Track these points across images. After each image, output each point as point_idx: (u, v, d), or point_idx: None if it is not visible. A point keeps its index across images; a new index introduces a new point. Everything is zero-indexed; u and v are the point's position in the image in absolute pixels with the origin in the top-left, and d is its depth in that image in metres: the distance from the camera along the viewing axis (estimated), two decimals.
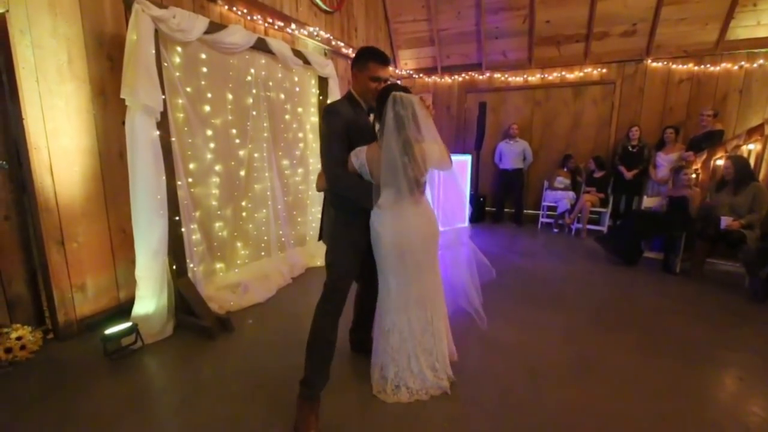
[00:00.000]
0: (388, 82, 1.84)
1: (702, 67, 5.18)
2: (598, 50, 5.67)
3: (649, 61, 5.44)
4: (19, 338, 2.19)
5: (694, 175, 4.18)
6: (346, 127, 1.74)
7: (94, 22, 2.47)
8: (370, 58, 1.78)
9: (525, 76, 6.21)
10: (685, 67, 5.28)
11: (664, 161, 4.95)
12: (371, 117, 1.88)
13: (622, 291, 3.46)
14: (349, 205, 1.83)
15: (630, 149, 5.32)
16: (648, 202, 4.71)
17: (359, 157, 1.71)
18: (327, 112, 1.78)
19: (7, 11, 2.10)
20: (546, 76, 6.08)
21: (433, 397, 1.94)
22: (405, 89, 1.77)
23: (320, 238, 2.11)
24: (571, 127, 6.13)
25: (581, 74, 5.85)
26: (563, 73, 5.95)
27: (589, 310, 3.04)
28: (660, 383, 2.11)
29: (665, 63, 5.37)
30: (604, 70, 5.73)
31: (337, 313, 1.82)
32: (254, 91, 3.38)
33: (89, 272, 2.57)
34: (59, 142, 2.37)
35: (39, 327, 2.39)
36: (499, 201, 6.29)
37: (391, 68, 6.44)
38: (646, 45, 5.39)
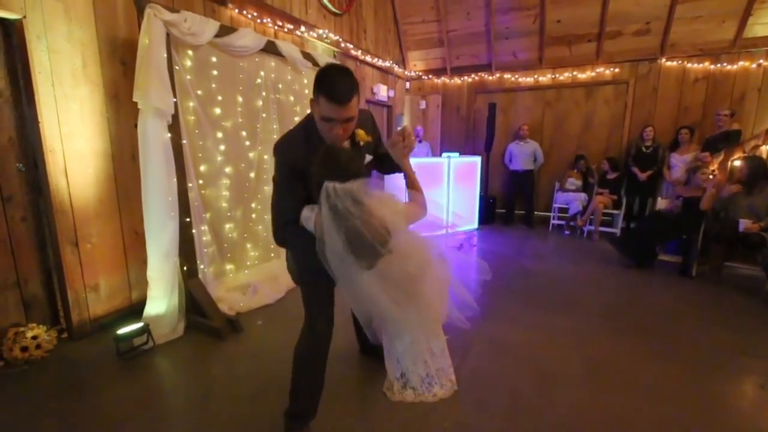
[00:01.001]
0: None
1: (718, 65, 5.07)
2: (611, 49, 5.59)
3: (664, 60, 5.34)
4: (34, 337, 2.24)
5: (711, 176, 4.08)
6: (297, 171, 1.40)
7: (107, 27, 2.51)
8: (321, 91, 1.33)
9: (535, 76, 6.15)
10: (700, 65, 5.17)
11: (679, 162, 4.85)
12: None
13: (636, 294, 3.40)
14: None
15: (644, 150, 5.22)
16: (662, 203, 4.61)
17: (308, 223, 1.40)
18: (275, 152, 1.45)
19: (25, 17, 2.15)
20: (557, 76, 6.01)
21: (441, 400, 1.93)
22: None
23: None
24: (582, 128, 6.05)
25: (593, 74, 5.77)
26: (575, 73, 5.87)
27: (601, 313, 2.99)
28: (674, 389, 2.06)
29: (680, 62, 5.27)
30: (617, 70, 5.64)
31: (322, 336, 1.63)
32: (264, 93, 3.40)
33: (102, 273, 2.62)
34: (74, 145, 2.41)
35: (54, 326, 2.44)
36: (509, 203, 6.23)
37: (400, 69, 6.43)
38: (660, 44, 5.29)
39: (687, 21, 5.04)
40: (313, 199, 1.35)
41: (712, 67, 5.10)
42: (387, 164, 1.75)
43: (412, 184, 1.71)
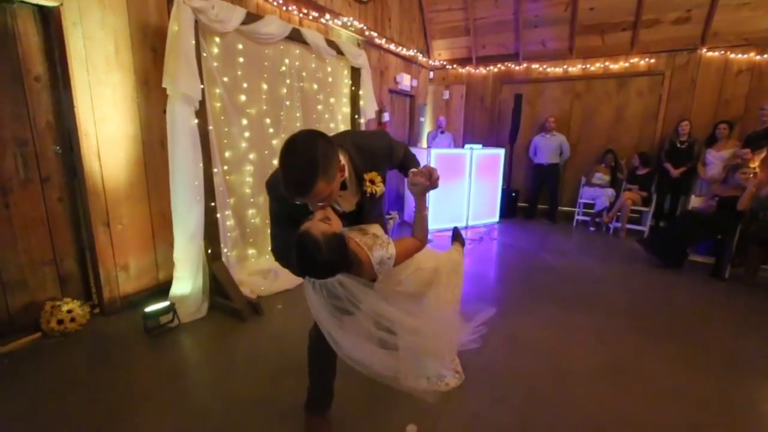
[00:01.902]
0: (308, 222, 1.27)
1: (765, 56, 4.74)
2: (647, 38, 5.32)
3: (704, 50, 5.04)
4: (69, 311, 2.36)
5: (752, 175, 3.85)
6: (285, 212, 1.40)
7: (138, 14, 2.57)
8: (281, 175, 1.21)
9: (565, 66, 5.93)
10: (745, 56, 4.85)
11: (715, 158, 4.60)
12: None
13: (663, 295, 3.27)
14: None
15: (678, 145, 4.98)
16: (696, 201, 4.40)
17: None
18: (267, 190, 1.42)
19: (62, 5, 2.22)
20: (588, 66, 5.78)
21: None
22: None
23: None
24: (613, 121, 5.81)
25: (626, 65, 5.52)
26: (607, 63, 5.63)
27: (625, 313, 2.90)
28: (699, 393, 1.99)
29: (722, 52, 4.96)
30: (653, 60, 5.37)
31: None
32: (288, 81, 3.42)
33: (132, 253, 2.72)
34: (106, 130, 2.50)
35: (87, 302, 2.56)
36: (532, 197, 6.09)
37: (424, 59, 6.33)
38: (701, 33, 5.00)
39: (732, 8, 4.73)
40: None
41: (758, 57, 4.78)
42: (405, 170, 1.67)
43: (415, 227, 1.60)
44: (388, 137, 1.60)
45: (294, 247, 1.22)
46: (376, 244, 1.42)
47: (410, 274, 1.72)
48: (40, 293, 2.39)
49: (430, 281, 1.84)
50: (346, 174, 1.37)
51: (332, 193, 1.27)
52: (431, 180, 1.48)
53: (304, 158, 1.15)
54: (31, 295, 2.35)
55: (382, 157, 1.50)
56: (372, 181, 1.43)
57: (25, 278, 2.32)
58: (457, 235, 2.38)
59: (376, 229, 1.53)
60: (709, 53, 5.04)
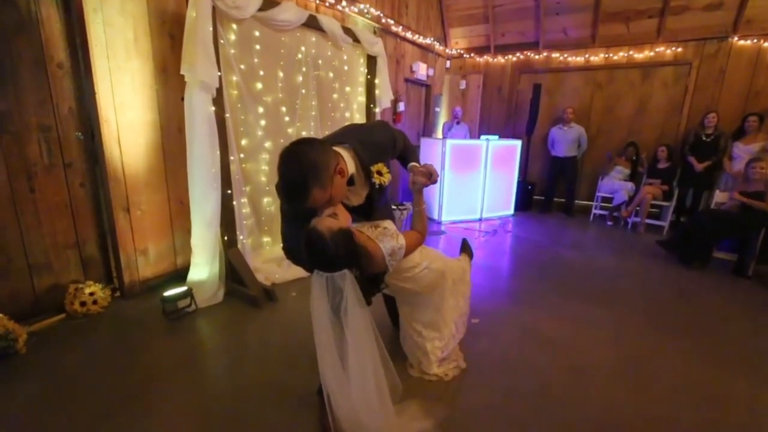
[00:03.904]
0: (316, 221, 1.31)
1: None
2: (675, 26, 5.10)
3: (736, 38, 4.82)
4: (91, 294, 2.43)
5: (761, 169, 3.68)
6: (294, 210, 1.43)
7: (157, 0, 2.57)
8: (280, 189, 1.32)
9: (587, 55, 5.75)
10: None
11: (743, 152, 4.43)
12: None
13: (683, 291, 3.19)
14: None
15: (703, 138, 4.80)
16: (720, 197, 4.25)
17: None
18: (277, 190, 1.44)
19: None
20: (611, 55, 5.59)
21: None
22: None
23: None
24: (635, 113, 5.63)
25: (652, 54, 5.32)
26: (631, 52, 5.44)
27: (643, 309, 2.84)
28: (718, 392, 1.94)
29: (755, 40, 4.73)
30: (680, 49, 5.16)
31: None
32: (304, 69, 3.40)
33: (150, 238, 2.78)
34: (126, 116, 2.53)
35: (108, 285, 2.63)
36: (549, 189, 5.98)
37: (441, 47, 6.22)
38: (733, 20, 4.77)
39: None
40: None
41: None
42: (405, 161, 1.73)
43: (415, 219, 1.66)
44: (389, 128, 1.65)
45: (302, 243, 1.26)
46: (386, 235, 1.46)
47: (418, 272, 1.76)
48: (64, 276, 2.46)
49: (436, 283, 1.88)
50: (351, 171, 1.40)
51: (332, 197, 1.30)
52: (431, 179, 1.56)
53: (293, 172, 1.22)
54: (55, 277, 2.42)
55: (387, 149, 1.56)
56: (379, 173, 1.48)
57: (50, 261, 2.39)
58: (465, 247, 2.40)
59: (387, 223, 1.59)
60: (741, 42, 4.81)
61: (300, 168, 1.22)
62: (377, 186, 1.48)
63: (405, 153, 1.69)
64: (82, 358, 2.05)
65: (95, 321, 2.40)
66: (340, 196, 1.35)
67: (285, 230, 1.53)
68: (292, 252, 1.51)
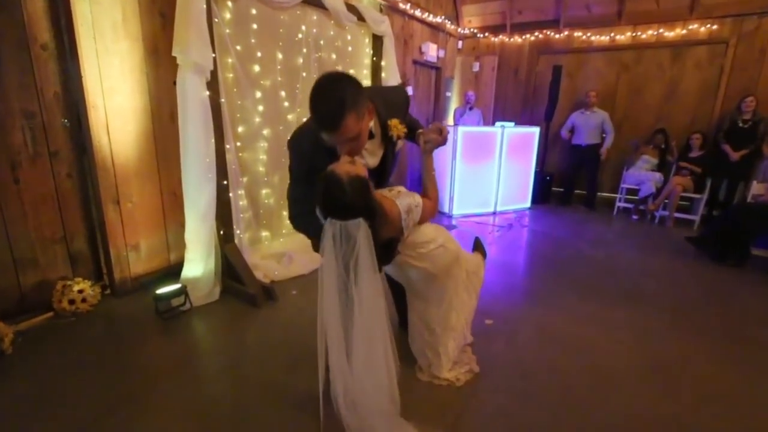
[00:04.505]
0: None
1: None
2: (710, 1, 4.98)
3: None
4: (80, 291, 2.45)
5: None
6: (307, 167, 1.45)
7: None
8: (311, 113, 1.35)
9: (612, 34, 5.64)
10: None
11: None
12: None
13: (716, 291, 3.14)
14: None
15: (740, 124, 4.71)
16: (758, 188, 4.18)
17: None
18: (289, 146, 1.52)
19: None
20: (638, 34, 5.48)
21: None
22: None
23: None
24: (665, 97, 5.53)
25: (684, 32, 5.20)
26: (661, 30, 5.32)
27: (671, 310, 2.80)
28: (754, 402, 1.90)
29: None
30: (715, 27, 5.04)
31: None
32: (305, 50, 3.37)
33: (142, 233, 2.79)
34: (115, 101, 2.53)
35: (97, 282, 2.65)
36: (568, 181, 5.92)
37: (452, 26, 6.14)
38: None
39: None
40: None
41: None
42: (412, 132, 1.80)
43: (427, 186, 1.71)
44: (405, 92, 1.76)
45: (318, 189, 1.29)
46: (402, 194, 1.55)
47: (433, 249, 1.75)
48: (52, 272, 2.49)
49: (450, 267, 1.86)
50: (374, 120, 1.47)
51: (361, 133, 1.35)
52: (442, 135, 1.63)
53: (333, 92, 1.27)
54: (42, 273, 2.45)
55: (403, 109, 1.67)
56: (396, 127, 1.55)
57: (36, 256, 2.41)
58: (478, 246, 2.42)
59: (400, 187, 1.68)
60: None
61: (341, 90, 1.28)
62: (394, 139, 1.55)
63: (413, 124, 1.78)
64: (70, 360, 2.07)
65: (85, 320, 2.42)
66: (364, 141, 1.40)
67: (293, 193, 1.55)
68: (298, 215, 1.53)
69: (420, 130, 1.71)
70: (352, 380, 1.39)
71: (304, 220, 1.50)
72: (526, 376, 2.02)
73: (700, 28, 5.12)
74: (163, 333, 2.35)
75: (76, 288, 2.44)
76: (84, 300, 2.45)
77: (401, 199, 1.49)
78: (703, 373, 2.11)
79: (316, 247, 1.43)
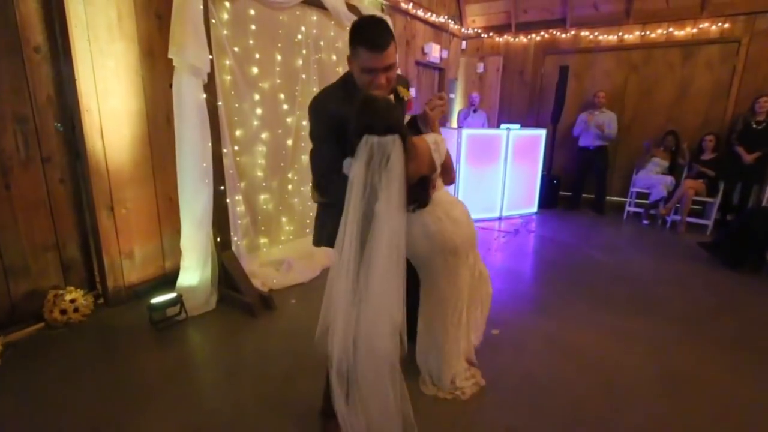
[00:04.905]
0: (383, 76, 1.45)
1: None
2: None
3: None
4: (72, 301, 2.43)
5: None
6: (335, 125, 1.47)
7: None
8: (357, 42, 1.43)
9: (620, 33, 5.64)
10: None
11: None
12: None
13: (731, 300, 3.11)
14: None
15: (754, 126, 4.68)
16: None
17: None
18: (312, 109, 1.54)
19: None
20: (647, 33, 5.48)
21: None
22: (404, 80, 1.68)
23: (317, 242, 1.82)
24: (675, 98, 5.52)
25: (694, 31, 5.20)
26: (671, 29, 5.33)
27: (686, 318, 2.77)
28: None
29: None
30: (727, 25, 5.04)
31: None
32: (304, 51, 3.38)
33: (137, 240, 2.78)
34: (109, 104, 2.53)
35: (90, 291, 2.64)
36: (576, 184, 5.90)
37: (456, 26, 6.17)
38: None
39: None
40: (348, 154, 1.41)
41: None
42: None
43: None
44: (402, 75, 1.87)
45: (357, 105, 1.36)
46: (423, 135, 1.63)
47: (458, 216, 1.79)
48: (43, 281, 2.48)
49: (468, 252, 1.86)
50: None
51: (395, 65, 1.49)
52: (443, 101, 1.73)
53: (380, 21, 1.46)
54: (33, 282, 2.44)
55: (405, 81, 1.81)
56: (403, 91, 1.67)
57: (28, 264, 2.40)
58: None
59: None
60: None
61: (386, 24, 1.47)
62: (404, 101, 1.67)
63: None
64: (62, 372, 2.05)
65: (77, 331, 2.41)
66: (392, 78, 1.51)
67: (320, 155, 1.55)
68: (327, 178, 1.52)
69: (426, 102, 1.81)
70: (359, 311, 1.35)
71: (332, 181, 1.50)
72: (535, 390, 2.00)
73: (712, 27, 5.11)
74: (158, 344, 2.34)
75: (68, 297, 2.42)
76: (76, 310, 2.43)
77: (427, 137, 1.58)
78: (720, 387, 2.07)
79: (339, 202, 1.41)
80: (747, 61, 5.01)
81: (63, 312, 2.39)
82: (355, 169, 1.32)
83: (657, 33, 5.42)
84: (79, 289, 2.51)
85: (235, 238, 2.95)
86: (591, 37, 5.83)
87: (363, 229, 1.34)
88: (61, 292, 2.44)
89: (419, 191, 1.57)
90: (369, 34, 1.42)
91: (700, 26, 5.16)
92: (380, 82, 1.45)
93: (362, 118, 1.33)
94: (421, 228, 1.73)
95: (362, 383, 1.38)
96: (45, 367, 2.08)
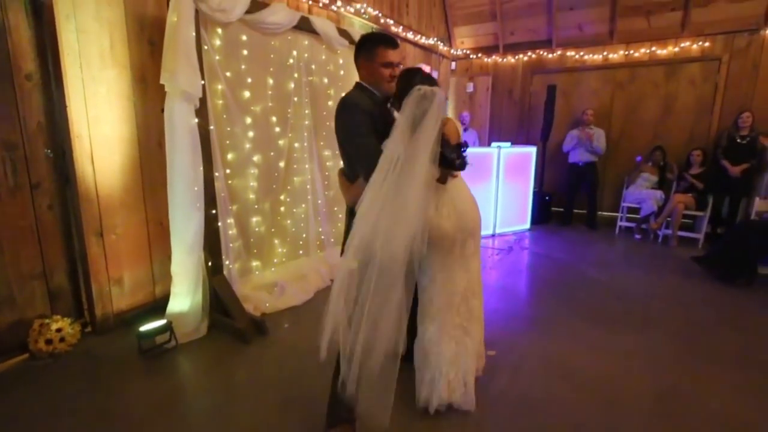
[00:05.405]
0: (404, 68, 1.83)
1: None
2: (700, 19, 5.15)
3: None
4: (59, 330, 2.38)
5: None
6: (368, 120, 1.68)
7: (135, 5, 2.60)
8: (377, 43, 1.76)
9: (605, 53, 5.79)
10: None
11: None
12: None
13: (726, 314, 3.12)
14: None
15: (738, 140, 4.79)
16: (762, 205, 4.22)
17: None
18: (348, 106, 1.71)
19: None
20: (631, 52, 5.63)
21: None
22: (430, 79, 1.75)
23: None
24: (661, 114, 5.64)
25: (676, 50, 5.36)
26: (653, 48, 5.48)
27: (682, 335, 2.76)
28: None
29: None
30: (707, 44, 5.20)
31: None
32: (296, 75, 3.42)
33: (126, 266, 2.74)
34: (100, 131, 2.53)
35: (78, 319, 2.58)
36: (568, 200, 5.95)
37: (445, 48, 6.32)
38: (764, 11, 4.81)
39: None
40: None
41: None
42: None
43: None
44: None
45: (403, 76, 1.73)
46: None
47: (473, 201, 1.95)
48: (29, 310, 2.42)
49: (474, 254, 1.93)
50: None
51: (401, 63, 1.84)
52: None
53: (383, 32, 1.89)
54: (19, 312, 2.38)
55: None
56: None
57: (13, 294, 2.35)
58: None
59: None
60: None
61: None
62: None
63: None
64: (46, 406, 1.98)
65: (62, 361, 2.34)
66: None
67: (365, 147, 1.65)
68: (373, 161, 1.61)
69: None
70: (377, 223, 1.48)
71: (375, 161, 1.61)
72: (533, 412, 1.97)
73: (693, 46, 5.27)
74: (147, 373, 2.28)
75: (54, 327, 2.37)
76: (62, 339, 2.38)
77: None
78: (720, 404, 2.06)
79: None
80: (728, 78, 5.16)
81: (48, 342, 2.33)
82: (400, 119, 1.54)
83: (640, 52, 5.57)
84: (66, 318, 2.46)
85: (227, 262, 2.92)
86: (577, 56, 5.98)
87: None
88: (47, 321, 2.38)
89: (454, 154, 1.68)
90: (385, 37, 1.81)
91: (682, 45, 5.32)
92: (396, 72, 1.78)
93: (413, 78, 1.67)
94: (452, 206, 1.83)
95: (376, 286, 1.47)
96: (28, 400, 2.02)
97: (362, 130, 1.66)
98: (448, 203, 1.81)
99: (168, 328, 2.48)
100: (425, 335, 1.90)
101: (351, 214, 1.75)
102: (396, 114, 1.70)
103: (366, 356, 1.44)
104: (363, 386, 1.45)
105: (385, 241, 1.45)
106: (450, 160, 1.63)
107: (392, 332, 1.46)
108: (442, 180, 1.75)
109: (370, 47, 1.76)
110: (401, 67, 1.82)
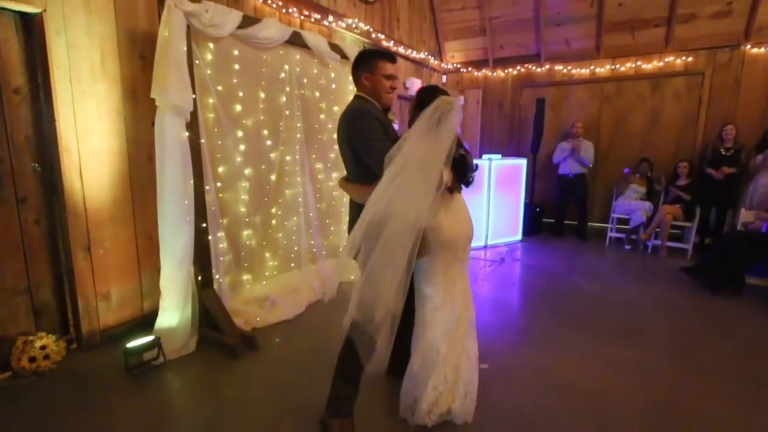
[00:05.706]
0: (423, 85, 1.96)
1: None
2: (683, 35, 5.30)
3: (748, 46, 5.00)
4: (43, 347, 2.32)
5: None
6: (382, 126, 1.81)
7: (127, 19, 2.61)
8: (376, 57, 1.89)
9: (592, 67, 5.92)
10: None
11: None
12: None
13: (717, 324, 3.14)
14: None
15: (722, 152, 4.89)
16: (746, 216, 4.29)
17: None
18: (363, 113, 1.80)
19: (44, 11, 2.27)
20: (617, 67, 5.77)
21: None
22: (446, 93, 1.80)
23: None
24: (647, 127, 5.76)
25: (661, 64, 5.49)
26: (639, 63, 5.61)
27: (673, 346, 2.78)
28: None
29: None
30: (690, 59, 5.34)
31: None
32: (288, 88, 3.44)
33: (114, 280, 2.70)
34: (89, 144, 2.51)
35: (63, 336, 2.53)
36: (558, 211, 6.00)
37: (436, 61, 6.41)
38: (744, 27, 4.97)
39: None
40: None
41: None
42: None
43: None
44: None
45: (424, 91, 1.88)
46: None
47: (468, 218, 1.97)
48: (12, 327, 2.36)
49: (467, 264, 2.00)
50: None
51: (397, 78, 1.99)
52: None
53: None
54: (1, 329, 2.32)
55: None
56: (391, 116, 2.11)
57: None
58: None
59: None
60: (754, 50, 4.99)
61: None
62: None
63: None
64: (29, 425, 1.93)
65: (46, 379, 2.29)
66: (399, 85, 2.04)
67: (382, 145, 1.70)
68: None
69: None
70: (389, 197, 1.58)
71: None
72: (526, 425, 1.96)
73: (676, 60, 5.41)
74: (133, 391, 2.23)
75: (38, 344, 2.31)
76: (46, 357, 2.32)
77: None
78: (712, 415, 2.06)
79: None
80: (711, 92, 5.29)
81: (32, 360, 2.27)
82: (417, 122, 1.65)
83: (626, 66, 5.70)
84: (50, 334, 2.40)
85: (218, 276, 2.90)
86: (565, 70, 6.10)
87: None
88: (31, 338, 2.33)
89: (463, 166, 1.77)
90: (383, 52, 1.94)
91: (666, 60, 5.45)
92: (396, 84, 1.92)
93: (434, 91, 1.77)
94: (465, 211, 1.94)
95: (383, 246, 1.56)
96: (10, 419, 1.96)
97: (380, 134, 1.76)
98: (452, 211, 1.85)
99: (156, 344, 2.44)
100: (428, 340, 1.88)
101: (357, 207, 1.81)
102: (395, 125, 1.78)
103: (373, 308, 1.58)
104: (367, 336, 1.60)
105: (397, 212, 1.57)
106: (466, 166, 1.78)
107: (393, 291, 1.58)
108: (453, 190, 1.81)
109: (370, 61, 1.87)
110: (398, 80, 1.94)
